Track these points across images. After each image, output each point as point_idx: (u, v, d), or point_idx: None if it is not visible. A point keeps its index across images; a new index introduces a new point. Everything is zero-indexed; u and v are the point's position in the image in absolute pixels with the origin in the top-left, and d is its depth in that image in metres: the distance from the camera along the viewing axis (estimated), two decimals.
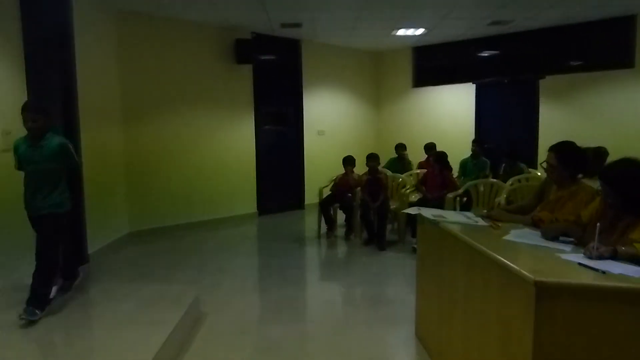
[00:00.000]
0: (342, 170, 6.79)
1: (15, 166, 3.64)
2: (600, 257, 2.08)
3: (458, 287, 2.68)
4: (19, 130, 4.29)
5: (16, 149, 3.60)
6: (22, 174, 3.62)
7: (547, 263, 2.13)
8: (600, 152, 5.22)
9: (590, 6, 6.63)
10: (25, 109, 3.51)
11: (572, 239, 2.49)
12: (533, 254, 2.27)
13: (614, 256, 2.12)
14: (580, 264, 2.06)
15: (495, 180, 6.31)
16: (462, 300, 2.62)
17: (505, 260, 2.08)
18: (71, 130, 5.26)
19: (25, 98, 4.40)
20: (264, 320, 4.07)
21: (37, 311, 3.36)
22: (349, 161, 6.71)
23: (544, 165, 3.05)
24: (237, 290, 4.81)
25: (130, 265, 5.70)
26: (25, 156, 3.55)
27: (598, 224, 2.20)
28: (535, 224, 2.90)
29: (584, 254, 2.17)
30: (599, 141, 5.98)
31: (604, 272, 1.95)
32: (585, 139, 5.59)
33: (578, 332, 1.85)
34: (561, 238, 2.51)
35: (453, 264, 2.75)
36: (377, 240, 6.18)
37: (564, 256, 2.19)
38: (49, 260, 3.52)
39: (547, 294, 1.83)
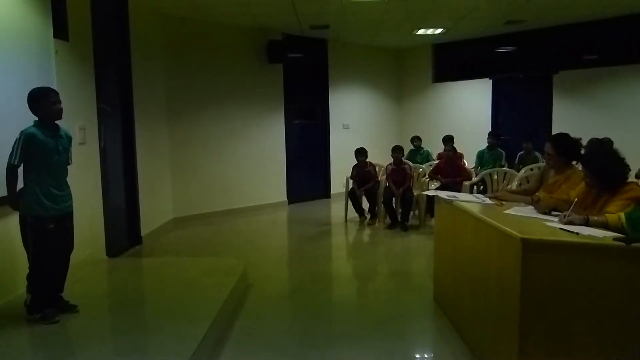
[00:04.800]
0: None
1: (14, 162, 3.05)
2: (570, 223, 2.63)
3: (467, 252, 3.28)
4: (90, 126, 5.00)
5: (31, 139, 3.06)
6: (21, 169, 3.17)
7: (534, 227, 2.71)
8: (603, 143, 5.71)
9: (602, 6, 7.02)
10: (50, 91, 3.23)
11: (560, 213, 3.05)
12: (525, 222, 2.84)
13: (586, 224, 2.67)
14: (561, 228, 2.64)
15: (508, 169, 6.85)
16: (469, 262, 3.22)
17: (501, 225, 2.66)
18: (128, 126, 6.01)
19: (94, 99, 5.09)
20: (302, 288, 4.71)
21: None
22: (359, 152, 7.23)
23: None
24: (276, 265, 5.50)
25: (180, 246, 6.41)
26: (48, 146, 3.13)
27: (575, 199, 2.80)
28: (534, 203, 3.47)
29: (558, 220, 2.74)
30: (611, 135, 6.45)
31: (577, 233, 2.52)
32: (596, 133, 6.12)
33: (555, 278, 2.42)
34: (553, 213, 3.08)
35: (463, 234, 3.35)
36: (400, 223, 6.78)
37: (549, 223, 2.76)
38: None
39: (531, 248, 2.41)
